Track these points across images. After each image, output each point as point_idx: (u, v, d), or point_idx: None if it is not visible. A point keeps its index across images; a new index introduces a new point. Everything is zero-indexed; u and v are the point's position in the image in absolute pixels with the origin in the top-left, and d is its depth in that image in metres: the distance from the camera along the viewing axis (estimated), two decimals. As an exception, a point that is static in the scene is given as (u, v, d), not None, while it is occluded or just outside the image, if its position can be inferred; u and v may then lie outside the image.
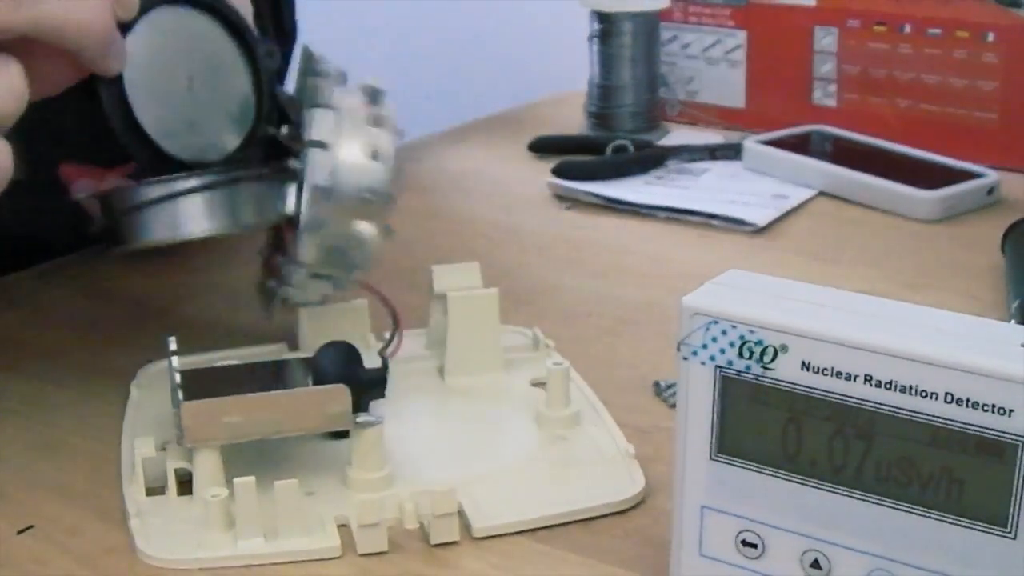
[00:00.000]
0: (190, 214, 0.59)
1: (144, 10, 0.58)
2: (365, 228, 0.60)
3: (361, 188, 0.60)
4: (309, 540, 0.52)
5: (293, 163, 0.61)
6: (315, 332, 0.64)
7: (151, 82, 0.59)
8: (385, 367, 0.59)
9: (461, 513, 0.53)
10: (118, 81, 0.58)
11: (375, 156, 0.60)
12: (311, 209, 0.60)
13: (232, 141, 0.62)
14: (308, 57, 0.63)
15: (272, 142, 0.63)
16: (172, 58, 0.61)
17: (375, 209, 0.60)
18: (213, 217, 0.60)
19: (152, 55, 0.60)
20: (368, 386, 0.58)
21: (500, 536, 0.53)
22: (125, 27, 0.57)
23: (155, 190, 0.59)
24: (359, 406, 0.55)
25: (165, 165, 0.59)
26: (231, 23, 0.63)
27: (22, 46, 0.53)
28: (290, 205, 0.61)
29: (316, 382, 0.57)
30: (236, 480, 0.51)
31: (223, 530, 0.52)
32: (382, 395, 0.59)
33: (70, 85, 0.56)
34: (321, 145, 0.59)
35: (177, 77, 0.61)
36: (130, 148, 0.59)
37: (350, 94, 0.61)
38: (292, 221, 0.61)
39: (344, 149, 0.60)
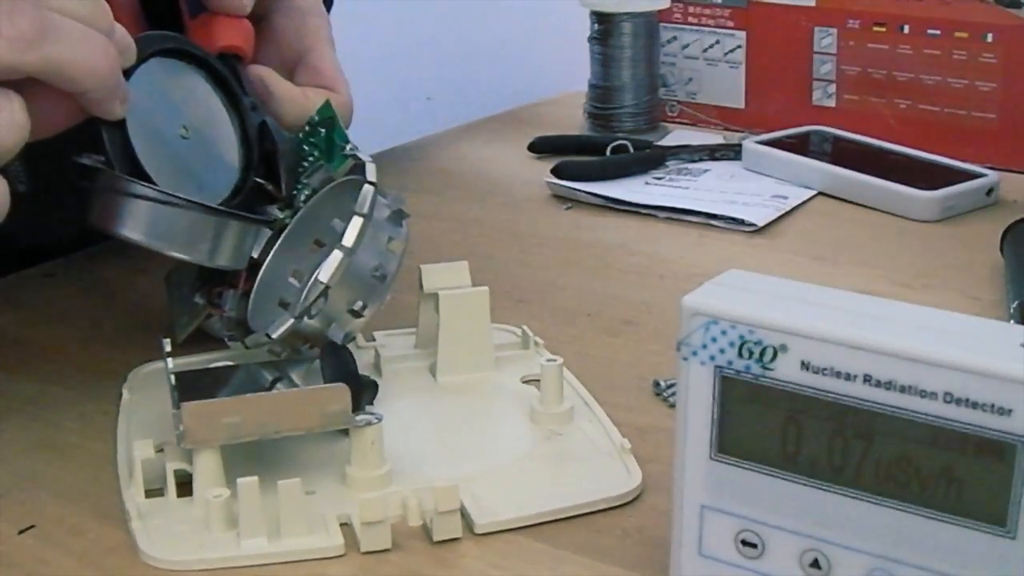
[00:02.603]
0: (171, 229, 0.60)
1: (140, 60, 0.59)
2: (334, 332, 0.60)
3: (352, 301, 0.59)
4: (312, 539, 0.52)
5: (274, 211, 0.63)
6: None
7: (150, 130, 0.60)
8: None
9: (462, 511, 0.53)
10: (121, 125, 0.58)
11: (380, 275, 0.60)
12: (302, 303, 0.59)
13: (223, 190, 0.63)
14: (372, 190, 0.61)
15: (259, 190, 0.64)
16: (168, 109, 0.62)
17: (355, 323, 0.60)
18: (191, 244, 0.60)
19: (149, 105, 0.60)
20: (362, 388, 0.58)
21: (500, 535, 0.53)
22: (125, 74, 0.57)
23: (149, 191, 0.59)
24: (356, 405, 0.55)
25: None
26: (218, 77, 0.64)
27: (26, 86, 0.53)
28: (257, 250, 0.63)
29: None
30: (239, 480, 0.51)
31: (225, 530, 0.52)
32: (371, 401, 0.59)
33: (67, 128, 0.56)
34: (347, 251, 0.58)
35: (174, 126, 0.62)
36: None
37: (380, 207, 0.61)
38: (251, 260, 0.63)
39: (357, 261, 0.59)
